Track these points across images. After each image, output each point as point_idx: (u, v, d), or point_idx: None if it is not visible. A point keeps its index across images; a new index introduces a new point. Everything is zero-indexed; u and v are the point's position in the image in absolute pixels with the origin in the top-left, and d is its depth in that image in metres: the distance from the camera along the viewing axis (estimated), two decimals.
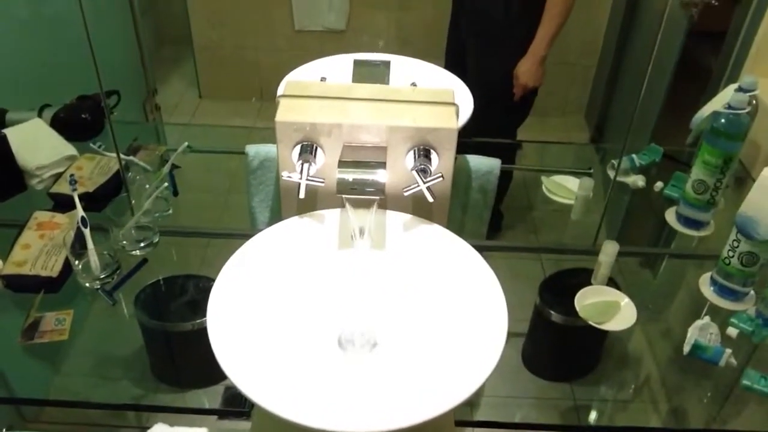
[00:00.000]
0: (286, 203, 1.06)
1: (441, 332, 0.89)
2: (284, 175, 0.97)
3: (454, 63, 1.79)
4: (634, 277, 1.30)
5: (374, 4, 2.49)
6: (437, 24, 1.89)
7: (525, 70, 1.71)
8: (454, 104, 1.01)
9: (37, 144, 1.38)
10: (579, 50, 2.49)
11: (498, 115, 1.77)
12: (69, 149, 1.40)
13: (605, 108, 2.43)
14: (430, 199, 0.94)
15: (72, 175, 1.18)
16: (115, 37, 1.94)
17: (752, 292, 1.17)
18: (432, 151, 0.98)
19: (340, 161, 0.96)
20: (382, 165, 0.96)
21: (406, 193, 0.96)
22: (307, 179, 0.95)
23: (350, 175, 0.94)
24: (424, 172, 0.95)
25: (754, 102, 1.19)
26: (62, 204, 1.29)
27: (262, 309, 0.90)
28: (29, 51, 1.60)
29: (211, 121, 2.54)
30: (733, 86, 1.20)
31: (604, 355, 1.19)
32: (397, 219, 1.01)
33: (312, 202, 1.04)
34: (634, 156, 1.45)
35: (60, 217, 1.26)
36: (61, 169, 1.38)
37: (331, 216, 1.01)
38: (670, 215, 1.35)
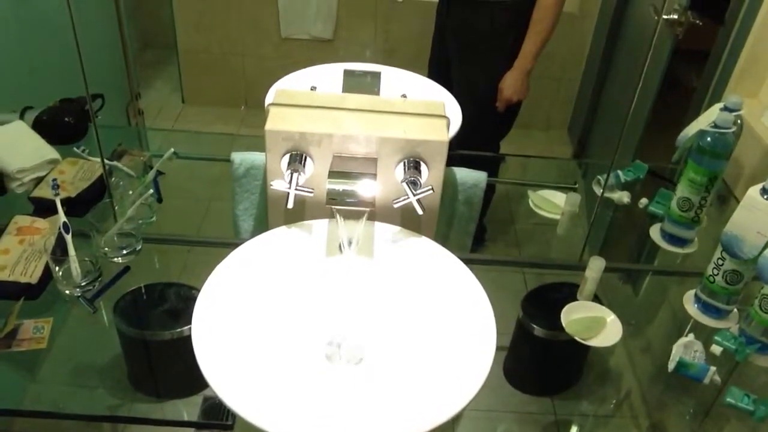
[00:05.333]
0: (273, 213, 1.05)
1: (429, 347, 0.88)
2: (273, 184, 0.96)
3: (437, 76, 1.79)
4: (615, 292, 1.31)
5: (362, 14, 2.48)
6: (424, 35, 1.89)
7: (510, 84, 1.72)
8: (445, 117, 1.01)
9: (18, 146, 1.36)
10: (563, 65, 2.50)
11: (482, 128, 1.77)
12: (51, 152, 1.38)
13: (589, 123, 2.45)
14: (420, 212, 0.94)
15: (54, 179, 1.16)
16: (99, 39, 1.91)
17: (736, 310, 1.18)
18: (422, 163, 0.98)
19: (330, 171, 0.95)
20: (372, 176, 0.96)
21: (396, 205, 0.96)
22: (296, 189, 0.94)
23: (340, 186, 0.93)
24: (414, 184, 0.95)
25: (738, 121, 1.20)
26: (43, 209, 1.27)
27: (248, 319, 0.89)
28: (11, 51, 1.58)
29: (194, 128, 2.52)
30: (719, 105, 1.22)
31: (586, 371, 1.19)
32: (385, 231, 1.00)
33: (300, 212, 1.04)
34: (619, 172, 1.46)
35: (41, 222, 1.23)
36: (42, 173, 1.35)
37: (319, 226, 1.00)
38: (655, 232, 1.36)
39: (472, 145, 1.43)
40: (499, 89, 1.73)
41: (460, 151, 1.28)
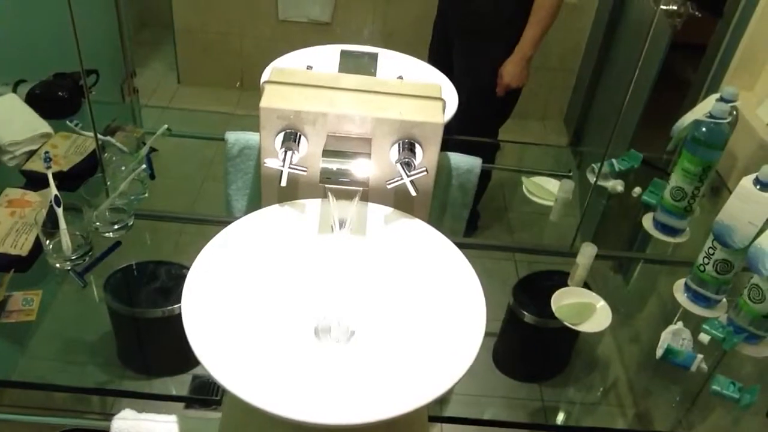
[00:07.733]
0: (266, 191, 1.05)
1: (419, 326, 0.88)
2: (266, 162, 0.96)
3: (437, 61, 1.78)
4: (606, 280, 1.31)
5: None
6: (422, 20, 1.88)
7: (510, 70, 1.72)
8: (440, 99, 1.00)
9: (10, 119, 1.35)
10: (561, 55, 2.50)
11: (481, 114, 1.77)
12: (44, 126, 1.37)
13: (585, 114, 2.45)
14: (413, 193, 0.94)
15: (47, 152, 1.15)
16: (96, 15, 1.90)
17: (725, 299, 1.18)
18: (416, 144, 0.98)
19: (324, 150, 0.95)
20: (367, 156, 0.95)
21: (389, 186, 0.95)
22: (290, 167, 0.94)
23: (334, 165, 0.93)
24: (408, 165, 0.95)
25: (734, 113, 1.20)
26: (35, 182, 1.26)
27: (239, 295, 0.88)
28: (5, 24, 1.56)
29: (189, 108, 2.50)
30: (715, 96, 1.22)
31: (574, 357, 1.20)
32: (378, 211, 1.00)
33: (293, 191, 1.03)
34: (614, 161, 1.46)
35: (32, 195, 1.23)
36: (34, 146, 1.35)
37: (312, 205, 1.00)
38: (647, 221, 1.37)
39: (470, 131, 1.43)
40: (499, 75, 1.73)
41: (457, 137, 1.27)
